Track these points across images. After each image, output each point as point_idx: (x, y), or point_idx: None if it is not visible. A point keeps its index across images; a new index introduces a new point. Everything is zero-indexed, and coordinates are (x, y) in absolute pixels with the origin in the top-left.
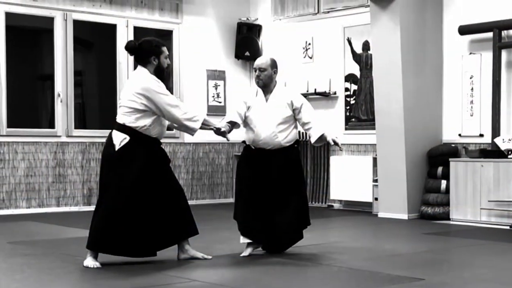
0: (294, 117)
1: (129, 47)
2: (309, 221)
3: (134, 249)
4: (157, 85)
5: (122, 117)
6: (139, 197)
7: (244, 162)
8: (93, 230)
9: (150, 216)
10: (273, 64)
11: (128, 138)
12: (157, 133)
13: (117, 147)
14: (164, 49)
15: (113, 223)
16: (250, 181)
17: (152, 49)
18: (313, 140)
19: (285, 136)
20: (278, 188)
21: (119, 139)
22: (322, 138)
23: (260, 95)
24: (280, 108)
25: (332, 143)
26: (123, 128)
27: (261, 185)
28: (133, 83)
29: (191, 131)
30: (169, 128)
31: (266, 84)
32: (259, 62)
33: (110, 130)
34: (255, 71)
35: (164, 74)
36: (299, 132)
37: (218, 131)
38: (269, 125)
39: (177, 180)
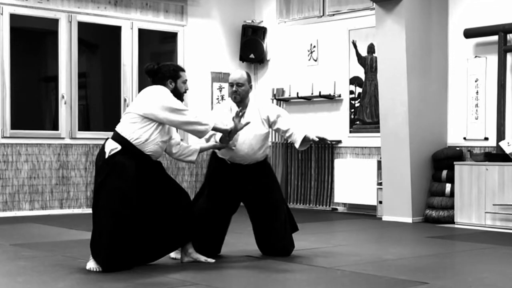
0: (272, 129)
1: (148, 70)
2: (297, 227)
3: (116, 264)
4: (173, 100)
5: (120, 126)
6: (129, 211)
7: (217, 176)
8: (92, 240)
9: (142, 229)
10: (249, 79)
11: (119, 148)
12: (152, 151)
13: (106, 155)
14: (183, 74)
15: (106, 238)
16: (222, 198)
17: (169, 72)
18: (297, 144)
19: (262, 151)
20: (262, 200)
21: (110, 147)
22: (305, 139)
23: (234, 110)
24: (258, 124)
25: (317, 139)
26: (117, 137)
27: (236, 201)
28: (147, 93)
29: (200, 133)
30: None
31: (242, 99)
32: (236, 76)
33: (112, 132)
34: (232, 86)
35: (181, 98)
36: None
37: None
38: (249, 142)
39: (177, 184)
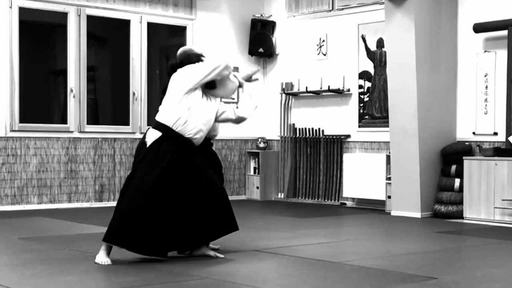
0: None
1: (172, 65)
2: None
3: (148, 247)
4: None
5: (158, 114)
6: (160, 195)
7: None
8: (110, 223)
9: (170, 215)
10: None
11: (159, 134)
12: (192, 134)
13: (148, 144)
14: (204, 58)
15: (131, 218)
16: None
17: (191, 59)
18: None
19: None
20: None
21: (151, 135)
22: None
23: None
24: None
25: (251, 73)
26: (157, 125)
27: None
28: (176, 75)
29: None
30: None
31: None
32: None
33: (123, 126)
34: None
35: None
36: (311, 129)
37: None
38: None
39: (215, 178)
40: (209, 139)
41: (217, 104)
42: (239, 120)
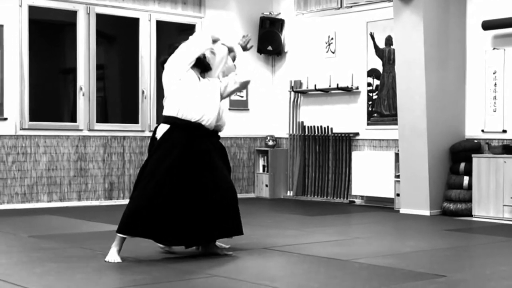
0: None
1: (162, 62)
2: None
3: (159, 235)
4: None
5: (164, 110)
6: (171, 183)
7: None
8: (123, 215)
9: (178, 207)
10: None
11: (168, 126)
12: (198, 117)
13: (158, 137)
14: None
15: (142, 206)
16: None
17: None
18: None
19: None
20: None
21: (161, 130)
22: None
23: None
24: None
25: (243, 42)
26: (164, 119)
27: None
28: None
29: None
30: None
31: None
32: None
33: (133, 124)
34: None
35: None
36: (320, 127)
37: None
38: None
39: (228, 176)
40: (216, 131)
41: (218, 83)
42: (244, 85)
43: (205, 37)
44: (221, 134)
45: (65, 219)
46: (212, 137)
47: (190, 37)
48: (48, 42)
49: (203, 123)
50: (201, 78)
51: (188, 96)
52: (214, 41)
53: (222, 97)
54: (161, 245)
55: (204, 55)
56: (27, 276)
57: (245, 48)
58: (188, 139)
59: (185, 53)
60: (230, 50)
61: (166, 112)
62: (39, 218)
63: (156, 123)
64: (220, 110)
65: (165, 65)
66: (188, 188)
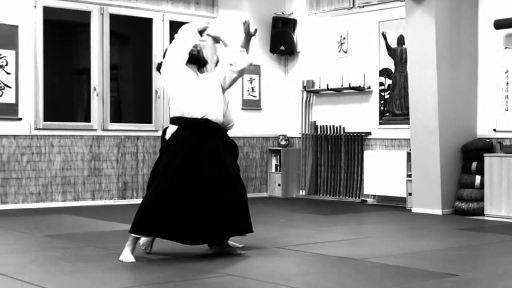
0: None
1: (158, 65)
2: None
3: (172, 233)
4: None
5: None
6: (181, 183)
7: None
8: (135, 215)
9: (190, 203)
10: None
11: (176, 127)
12: (203, 111)
13: (167, 138)
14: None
15: (153, 205)
16: None
17: None
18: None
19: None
20: None
21: (170, 131)
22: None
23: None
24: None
25: (245, 29)
26: (171, 120)
27: None
28: None
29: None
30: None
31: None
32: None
33: (146, 124)
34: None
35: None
36: (332, 126)
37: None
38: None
39: (238, 174)
40: (225, 130)
41: (216, 76)
42: (241, 73)
43: (190, 30)
44: (234, 133)
45: (79, 219)
46: (221, 133)
47: (176, 35)
48: (62, 43)
49: (209, 117)
50: (199, 74)
51: (189, 94)
52: (202, 31)
53: (224, 89)
54: (142, 246)
55: (198, 51)
56: (43, 275)
57: (250, 34)
58: (196, 136)
59: (175, 52)
60: (216, 40)
61: (171, 113)
62: (53, 218)
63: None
64: (225, 103)
65: (161, 70)
66: (197, 187)
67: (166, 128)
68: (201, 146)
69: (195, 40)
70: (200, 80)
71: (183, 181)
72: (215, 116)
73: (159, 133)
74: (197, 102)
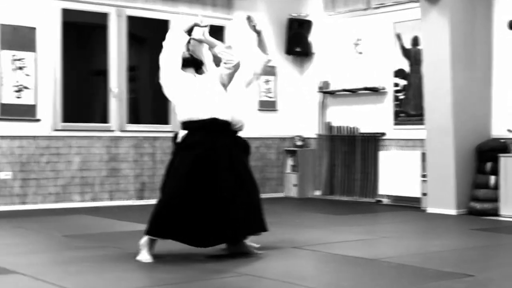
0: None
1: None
2: None
3: (185, 236)
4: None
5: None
6: (193, 186)
7: None
8: (150, 217)
9: (203, 206)
10: None
11: (185, 132)
12: (207, 113)
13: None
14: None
15: (167, 209)
16: None
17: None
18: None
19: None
20: None
21: (180, 136)
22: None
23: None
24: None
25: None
26: (181, 126)
27: None
28: None
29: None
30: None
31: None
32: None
33: (164, 125)
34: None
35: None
36: (347, 127)
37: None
38: None
39: (252, 175)
40: (236, 131)
41: (212, 74)
42: (237, 67)
43: (176, 35)
44: (250, 134)
45: (98, 219)
46: (230, 133)
47: (163, 43)
48: (80, 44)
49: (216, 116)
50: (198, 75)
51: (191, 98)
52: (190, 30)
53: (225, 86)
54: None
55: (191, 54)
56: (62, 275)
57: (256, 31)
58: (206, 138)
59: (166, 62)
60: (202, 42)
61: (179, 119)
62: (72, 218)
63: None
64: (230, 100)
65: (160, 81)
66: (208, 188)
67: (177, 133)
68: (211, 147)
69: (183, 42)
70: (199, 81)
71: (194, 184)
72: (221, 114)
73: None
74: (200, 103)
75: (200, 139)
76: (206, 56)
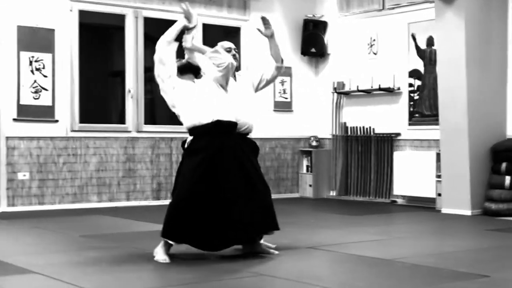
0: (260, 86)
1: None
2: None
3: (194, 240)
4: None
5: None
6: (203, 190)
7: None
8: (164, 220)
9: (214, 209)
10: None
11: (191, 137)
12: (211, 116)
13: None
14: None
15: (176, 212)
16: None
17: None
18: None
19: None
20: None
21: (188, 142)
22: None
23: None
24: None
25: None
26: (188, 132)
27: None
28: None
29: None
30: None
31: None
32: (232, 44)
33: (180, 126)
34: (230, 51)
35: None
36: (362, 127)
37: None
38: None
39: (262, 176)
40: (244, 134)
41: (205, 77)
42: (226, 70)
43: (164, 44)
44: (266, 134)
45: (115, 219)
46: (237, 134)
47: (154, 57)
48: (97, 46)
49: (219, 118)
50: (197, 80)
51: (192, 104)
52: (183, 30)
53: (224, 88)
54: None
55: (187, 61)
56: (80, 275)
57: (266, 35)
58: (213, 141)
59: (159, 73)
60: (192, 50)
61: (184, 125)
62: (89, 218)
63: None
64: (236, 102)
65: (161, 93)
66: (212, 192)
67: (185, 139)
68: (216, 150)
69: (173, 51)
70: (198, 87)
71: (199, 188)
72: (224, 115)
73: None
74: (202, 108)
75: (205, 144)
76: (202, 61)
